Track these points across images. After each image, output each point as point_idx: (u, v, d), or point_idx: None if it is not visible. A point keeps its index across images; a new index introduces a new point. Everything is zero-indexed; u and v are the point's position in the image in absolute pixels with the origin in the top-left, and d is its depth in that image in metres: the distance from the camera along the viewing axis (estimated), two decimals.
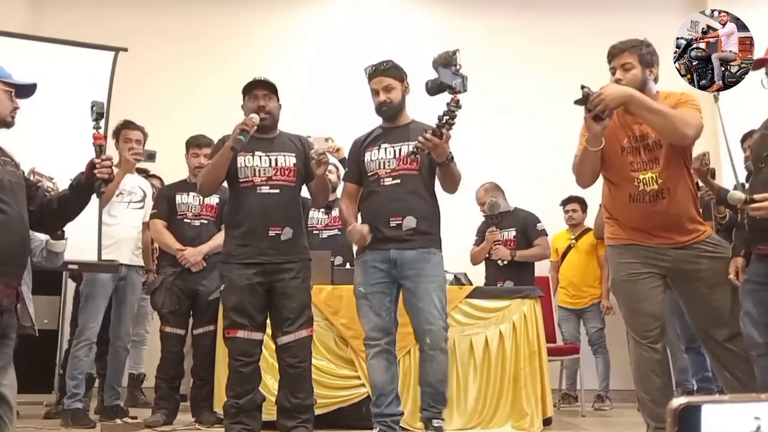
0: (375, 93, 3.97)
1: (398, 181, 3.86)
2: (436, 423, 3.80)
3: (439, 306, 3.77)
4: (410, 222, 3.81)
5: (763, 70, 3.28)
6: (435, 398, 3.82)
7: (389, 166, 3.88)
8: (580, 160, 3.51)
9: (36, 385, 5.39)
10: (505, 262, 5.65)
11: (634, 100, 3.27)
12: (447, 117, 3.60)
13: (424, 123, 3.91)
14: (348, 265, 5.25)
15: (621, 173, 3.47)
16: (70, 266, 4.64)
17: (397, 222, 3.80)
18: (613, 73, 3.47)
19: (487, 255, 5.79)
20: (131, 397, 5.67)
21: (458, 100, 3.60)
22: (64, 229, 3.79)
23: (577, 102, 3.32)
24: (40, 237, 3.87)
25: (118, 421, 4.68)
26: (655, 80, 3.47)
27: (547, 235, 5.83)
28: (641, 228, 3.45)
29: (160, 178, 5.95)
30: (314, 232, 5.45)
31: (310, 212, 5.46)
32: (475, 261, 5.90)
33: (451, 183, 3.90)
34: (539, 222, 5.81)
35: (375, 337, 3.85)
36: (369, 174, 3.91)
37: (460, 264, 5.71)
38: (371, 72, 3.99)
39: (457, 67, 3.63)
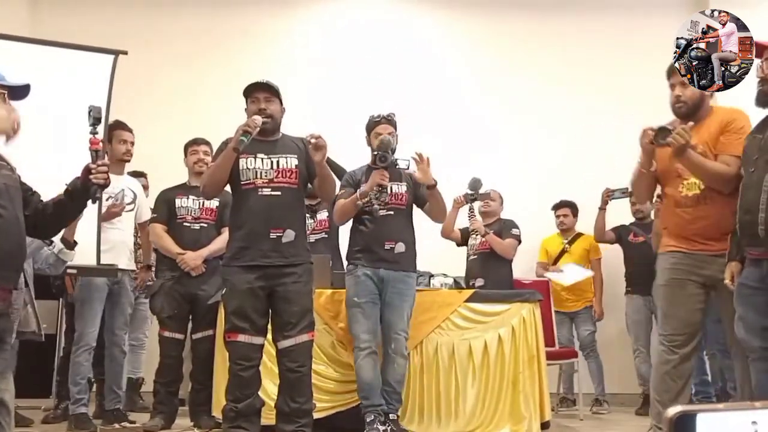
0: (377, 137, 4.56)
1: (392, 212, 4.52)
2: (392, 416, 4.41)
3: (407, 320, 4.49)
4: (401, 247, 4.50)
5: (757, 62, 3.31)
6: (393, 396, 4.44)
7: (383, 199, 4.50)
8: (636, 179, 3.86)
9: (34, 390, 5.39)
10: (476, 256, 5.82)
11: (684, 161, 3.52)
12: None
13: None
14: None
15: (670, 177, 3.67)
16: (70, 270, 4.63)
17: (390, 246, 4.48)
18: (672, 89, 3.67)
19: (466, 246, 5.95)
20: (130, 401, 5.66)
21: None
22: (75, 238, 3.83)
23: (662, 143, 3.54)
24: (44, 244, 3.87)
25: (117, 425, 4.68)
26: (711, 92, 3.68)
27: (519, 241, 5.84)
28: (685, 234, 3.62)
29: (145, 176, 5.95)
30: None
31: None
32: (444, 230, 5.85)
33: (439, 209, 4.66)
34: (516, 228, 5.86)
35: (367, 340, 4.38)
36: (364, 203, 4.48)
37: (457, 269, 5.74)
38: (378, 120, 4.64)
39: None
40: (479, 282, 5.56)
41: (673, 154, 3.49)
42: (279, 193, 3.93)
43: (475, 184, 5.60)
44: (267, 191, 3.92)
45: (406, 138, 6.90)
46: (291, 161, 4.00)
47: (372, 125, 4.65)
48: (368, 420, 4.31)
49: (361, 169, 4.69)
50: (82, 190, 3.04)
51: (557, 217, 6.67)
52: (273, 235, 3.88)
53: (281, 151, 4.01)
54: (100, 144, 3.22)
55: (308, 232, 5.35)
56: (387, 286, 4.45)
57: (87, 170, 3.03)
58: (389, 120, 4.65)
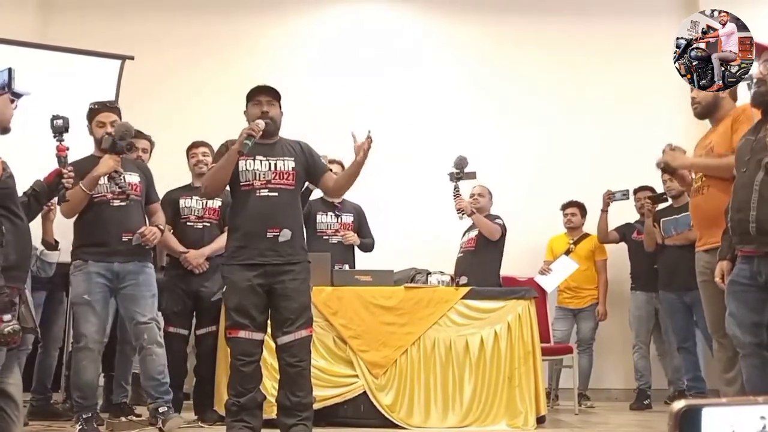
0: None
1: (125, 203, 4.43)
2: (162, 409, 4.39)
3: (153, 310, 4.47)
4: (138, 239, 4.41)
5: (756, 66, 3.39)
6: (159, 389, 4.43)
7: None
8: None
9: None
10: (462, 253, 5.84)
11: (692, 166, 3.99)
12: None
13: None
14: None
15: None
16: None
17: (128, 237, 4.39)
18: (691, 92, 3.97)
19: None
20: (135, 395, 5.71)
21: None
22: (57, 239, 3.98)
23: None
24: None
25: (124, 418, 4.75)
26: (734, 96, 3.89)
27: (505, 230, 5.76)
28: (696, 230, 3.98)
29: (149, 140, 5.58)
30: (323, 237, 5.62)
31: (318, 216, 5.63)
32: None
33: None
34: (499, 218, 5.80)
35: (98, 340, 4.37)
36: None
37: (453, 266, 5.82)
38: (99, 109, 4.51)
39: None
40: (463, 280, 5.50)
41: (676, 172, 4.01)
42: (276, 194, 3.96)
43: (461, 162, 5.52)
44: (264, 192, 3.95)
45: (402, 138, 7.05)
46: (288, 164, 4.03)
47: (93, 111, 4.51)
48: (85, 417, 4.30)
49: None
50: (48, 192, 3.35)
51: (565, 216, 6.69)
52: (270, 235, 3.91)
53: (279, 153, 4.05)
54: (66, 151, 3.57)
55: (332, 232, 5.59)
56: (122, 281, 4.38)
57: (59, 174, 3.35)
58: (111, 108, 4.58)
